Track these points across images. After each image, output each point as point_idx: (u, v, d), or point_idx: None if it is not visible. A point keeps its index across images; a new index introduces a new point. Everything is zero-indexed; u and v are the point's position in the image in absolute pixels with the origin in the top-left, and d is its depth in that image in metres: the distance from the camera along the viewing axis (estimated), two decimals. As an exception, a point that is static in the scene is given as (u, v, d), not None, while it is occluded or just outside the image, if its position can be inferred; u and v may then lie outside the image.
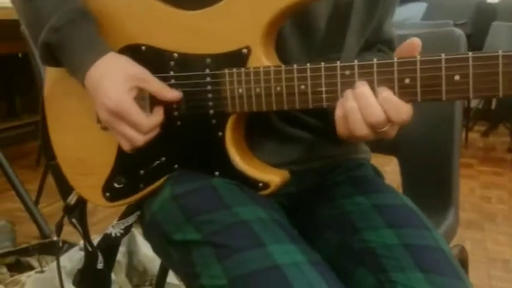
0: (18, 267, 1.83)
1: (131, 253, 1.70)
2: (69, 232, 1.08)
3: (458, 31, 1.20)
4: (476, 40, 4.05)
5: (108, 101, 0.75)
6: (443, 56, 0.63)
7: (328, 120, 0.76)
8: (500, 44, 3.69)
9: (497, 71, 0.61)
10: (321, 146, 0.87)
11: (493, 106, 4.34)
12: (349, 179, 0.90)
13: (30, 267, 1.81)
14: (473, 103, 4.21)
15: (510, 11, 4.08)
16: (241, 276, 0.66)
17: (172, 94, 0.79)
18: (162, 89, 0.78)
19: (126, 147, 0.79)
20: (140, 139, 0.77)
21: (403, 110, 0.66)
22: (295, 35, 0.81)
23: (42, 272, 1.74)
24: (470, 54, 0.62)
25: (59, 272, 1.11)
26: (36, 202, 2.38)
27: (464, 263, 1.15)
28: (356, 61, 0.68)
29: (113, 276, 1.56)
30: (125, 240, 1.68)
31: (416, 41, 0.67)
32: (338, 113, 0.70)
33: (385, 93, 0.66)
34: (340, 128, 0.71)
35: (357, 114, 0.67)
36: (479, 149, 3.85)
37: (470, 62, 0.62)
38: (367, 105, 0.67)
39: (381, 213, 0.80)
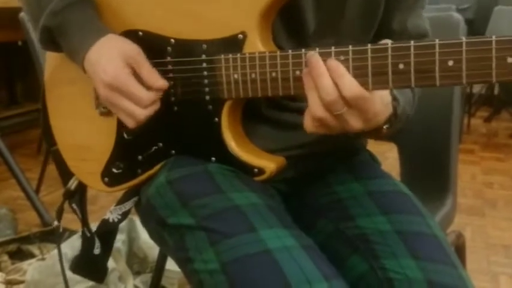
0: (19, 255, 1.84)
1: (131, 240, 1.71)
2: (70, 220, 1.09)
3: (457, 16, 1.19)
4: (479, 25, 4.03)
5: (105, 76, 0.75)
6: (437, 41, 0.63)
7: None
8: (502, 29, 3.66)
9: (490, 56, 0.60)
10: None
11: (496, 92, 4.32)
12: (345, 164, 0.90)
13: (32, 255, 1.83)
14: (476, 88, 4.18)
15: (513, -4, 4.05)
16: (233, 261, 0.67)
17: (159, 83, 0.78)
18: (151, 76, 0.77)
19: (129, 123, 0.78)
20: (142, 113, 0.76)
21: (354, 87, 0.66)
22: (285, 31, 0.81)
23: (43, 259, 1.75)
24: (463, 39, 0.61)
25: (60, 256, 1.12)
26: (37, 190, 2.39)
27: (461, 248, 1.15)
28: (350, 46, 0.67)
29: (113, 264, 1.58)
30: (125, 227, 1.69)
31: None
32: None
33: (340, 69, 0.66)
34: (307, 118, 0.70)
35: (314, 91, 0.67)
36: (481, 135, 3.84)
37: (464, 47, 0.61)
38: (321, 82, 0.66)
39: (375, 199, 0.80)
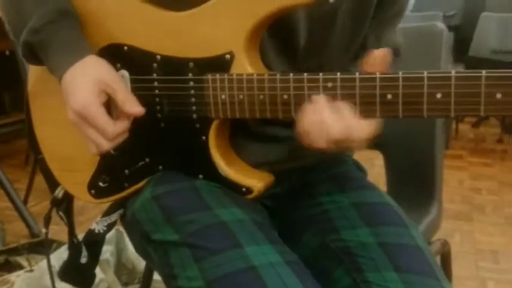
0: (7, 266, 1.83)
1: (120, 251, 1.70)
2: (57, 231, 1.09)
3: (441, 25, 1.21)
4: (465, 31, 4.07)
5: (75, 104, 0.74)
6: (425, 73, 0.63)
7: None
8: (489, 35, 3.70)
9: (479, 91, 0.61)
10: (301, 144, 0.88)
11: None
12: (330, 176, 0.91)
13: (20, 267, 1.81)
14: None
15: (499, 2, 4.10)
16: (217, 278, 0.67)
17: (133, 110, 0.76)
18: (126, 102, 0.76)
19: (92, 150, 0.78)
20: (105, 145, 0.76)
21: (362, 131, 0.67)
22: (274, 42, 0.80)
23: (31, 271, 1.74)
24: (453, 72, 0.62)
25: (49, 265, 1.12)
26: (25, 201, 2.37)
27: (447, 256, 1.16)
28: (339, 74, 0.67)
29: (101, 274, 1.58)
30: (113, 239, 1.68)
31: (383, 52, 0.68)
32: (299, 127, 0.70)
33: (346, 112, 0.67)
34: (303, 140, 0.72)
35: (317, 130, 0.68)
36: (469, 140, 3.87)
37: (453, 81, 0.62)
38: (326, 122, 0.67)
39: (360, 211, 0.81)
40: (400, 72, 0.64)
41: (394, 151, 1.23)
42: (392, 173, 1.26)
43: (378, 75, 0.66)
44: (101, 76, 0.76)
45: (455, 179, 3.04)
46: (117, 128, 0.76)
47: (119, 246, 1.71)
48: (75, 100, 0.74)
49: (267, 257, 0.68)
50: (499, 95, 0.60)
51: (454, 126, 3.89)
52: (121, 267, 1.71)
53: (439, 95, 0.63)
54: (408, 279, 0.70)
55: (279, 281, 0.65)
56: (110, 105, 0.78)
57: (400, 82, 0.64)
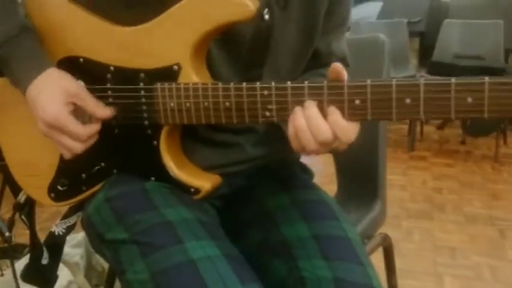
0: (-22, 271, 1.85)
1: (89, 254, 1.73)
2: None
3: (383, 37, 1.30)
4: (429, 37, 4.20)
5: (45, 116, 0.80)
6: (345, 82, 0.71)
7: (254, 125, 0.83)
8: (451, 40, 3.83)
9: (390, 97, 0.69)
10: (248, 148, 0.94)
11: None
12: (275, 178, 0.98)
13: (-10, 271, 1.84)
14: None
15: (461, 9, 4.23)
16: (160, 271, 0.73)
17: (104, 112, 0.84)
18: (95, 107, 0.84)
19: (66, 155, 0.85)
20: (78, 147, 0.83)
21: (350, 132, 0.72)
22: (221, 53, 0.87)
23: (2, 275, 1.77)
24: (368, 81, 0.70)
25: (13, 268, 1.16)
26: (-3, 207, 2.39)
27: (388, 249, 1.25)
28: (273, 83, 0.75)
29: (71, 277, 1.62)
30: (83, 241, 1.73)
31: (338, 66, 0.72)
32: (290, 130, 0.75)
33: (334, 115, 0.72)
34: (293, 144, 0.76)
35: (307, 132, 0.73)
36: (434, 142, 3.96)
37: (369, 89, 0.70)
38: (316, 125, 0.72)
39: (298, 208, 0.88)
40: (325, 82, 0.72)
41: (342, 154, 1.31)
42: (342, 174, 1.34)
43: (306, 84, 0.73)
44: (66, 87, 0.82)
45: (419, 179, 3.14)
46: (90, 130, 0.83)
47: (89, 249, 1.73)
48: (45, 112, 0.80)
49: (205, 250, 0.75)
50: (408, 100, 0.68)
51: (419, 128, 4.00)
52: (91, 270, 1.74)
53: (357, 101, 0.71)
54: (335, 266, 0.78)
55: (214, 272, 0.72)
56: (76, 113, 0.83)
57: (325, 90, 0.72)
